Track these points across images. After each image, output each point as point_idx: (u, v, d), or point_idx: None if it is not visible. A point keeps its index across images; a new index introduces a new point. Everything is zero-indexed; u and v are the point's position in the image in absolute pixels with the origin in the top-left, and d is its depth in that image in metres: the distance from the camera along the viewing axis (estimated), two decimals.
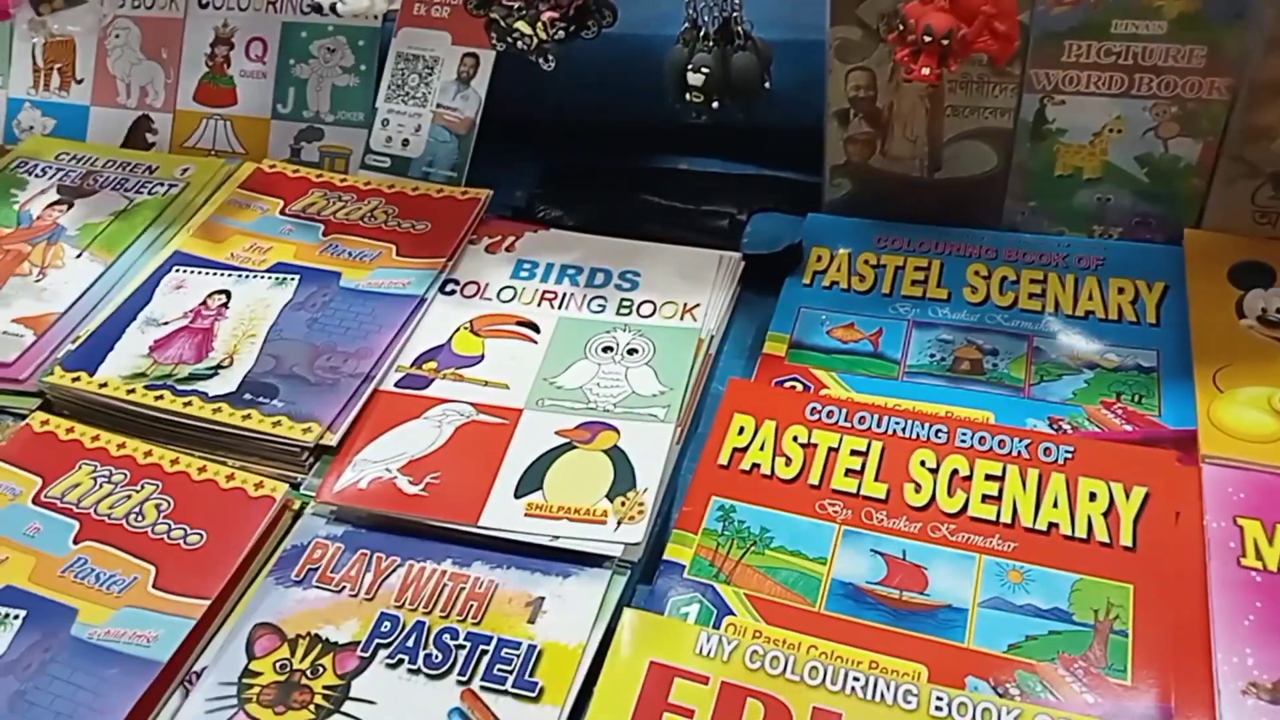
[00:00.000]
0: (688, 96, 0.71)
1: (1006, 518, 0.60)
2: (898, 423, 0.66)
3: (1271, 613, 0.54)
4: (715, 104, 0.71)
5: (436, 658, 0.58)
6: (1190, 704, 0.52)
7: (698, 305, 0.76)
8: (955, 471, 0.63)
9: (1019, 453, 0.63)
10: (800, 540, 0.61)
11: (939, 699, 0.51)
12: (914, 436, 0.65)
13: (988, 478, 0.62)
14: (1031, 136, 0.75)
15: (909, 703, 0.52)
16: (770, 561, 0.60)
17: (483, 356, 0.75)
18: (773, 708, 0.52)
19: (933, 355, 0.72)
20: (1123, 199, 0.75)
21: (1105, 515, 0.59)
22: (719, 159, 0.90)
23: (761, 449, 0.66)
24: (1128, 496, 0.60)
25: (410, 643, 0.58)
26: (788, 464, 0.65)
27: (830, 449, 0.65)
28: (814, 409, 0.67)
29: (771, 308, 0.76)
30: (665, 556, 0.61)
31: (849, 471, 0.64)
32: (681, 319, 0.75)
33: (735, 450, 0.66)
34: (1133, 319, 0.71)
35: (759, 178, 0.88)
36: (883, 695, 0.52)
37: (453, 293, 0.80)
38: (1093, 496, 0.60)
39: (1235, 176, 0.72)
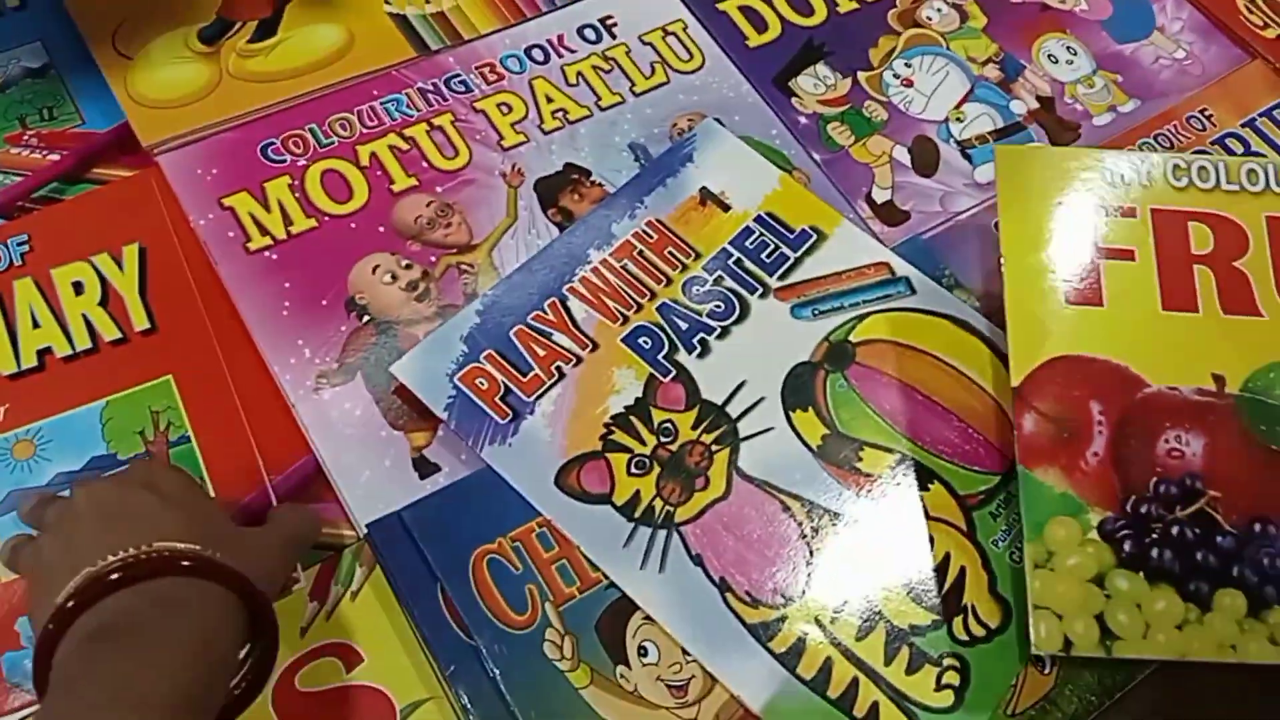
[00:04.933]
0: None
1: None
2: None
3: (309, 286, 0.46)
4: None
5: None
6: (276, 458, 0.43)
7: None
8: None
9: None
10: None
11: None
12: None
13: None
14: None
15: None
16: None
17: None
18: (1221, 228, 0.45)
19: None
20: None
21: (105, 304, 0.45)
22: None
23: None
24: (120, 266, 0.46)
25: None
26: None
27: None
28: None
29: None
30: None
31: None
32: None
33: None
34: None
35: None
36: None
37: None
38: (79, 289, 0.45)
39: None
